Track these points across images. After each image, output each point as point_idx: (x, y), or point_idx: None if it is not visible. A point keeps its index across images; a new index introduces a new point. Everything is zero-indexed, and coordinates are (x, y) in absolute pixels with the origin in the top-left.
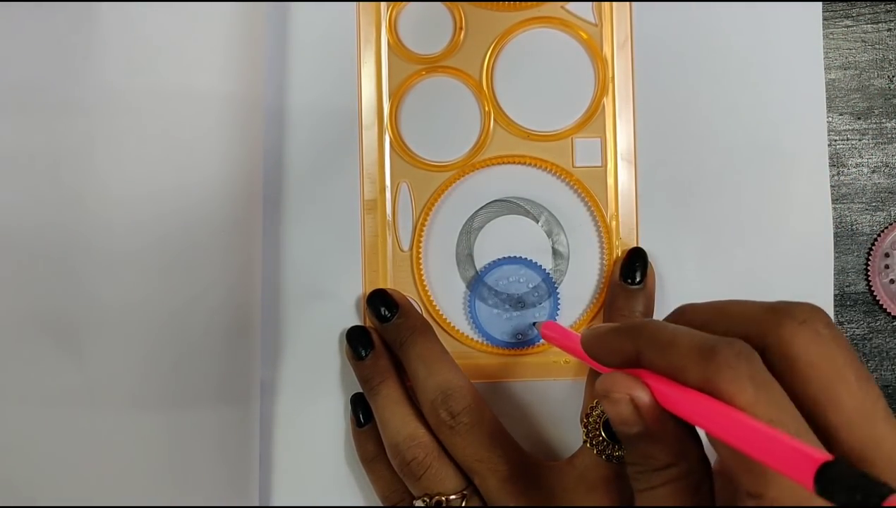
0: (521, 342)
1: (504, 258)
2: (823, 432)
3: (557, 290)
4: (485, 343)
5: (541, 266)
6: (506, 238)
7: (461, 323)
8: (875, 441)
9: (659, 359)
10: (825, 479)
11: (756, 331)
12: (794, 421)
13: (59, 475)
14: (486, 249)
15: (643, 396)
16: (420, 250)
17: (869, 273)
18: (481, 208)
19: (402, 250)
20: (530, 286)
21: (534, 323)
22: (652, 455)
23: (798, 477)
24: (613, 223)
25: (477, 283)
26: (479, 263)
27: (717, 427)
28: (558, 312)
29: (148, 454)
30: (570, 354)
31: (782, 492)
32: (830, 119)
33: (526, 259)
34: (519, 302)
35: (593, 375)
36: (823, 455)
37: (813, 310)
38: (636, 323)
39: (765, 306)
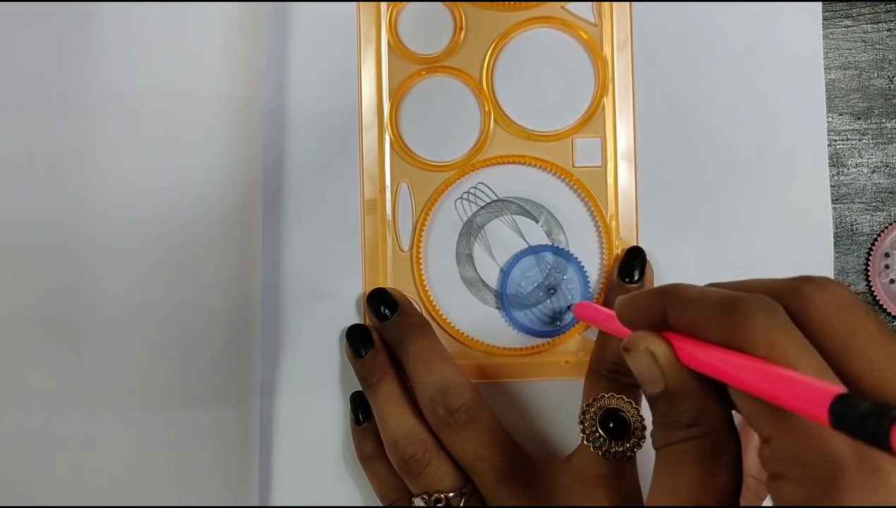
0: (560, 327)
1: (511, 259)
2: (846, 383)
3: (573, 255)
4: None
5: (546, 244)
6: (506, 238)
7: (461, 322)
8: None
9: (684, 316)
10: (838, 412)
11: (777, 296)
12: (815, 362)
13: (59, 475)
14: (486, 249)
15: (663, 349)
16: (420, 250)
17: (869, 273)
18: (481, 208)
19: (402, 250)
20: (548, 267)
21: (568, 307)
22: (673, 414)
23: (813, 413)
24: (613, 223)
25: (504, 298)
26: (480, 263)
27: (733, 375)
28: (586, 274)
29: (148, 454)
30: (604, 330)
31: (791, 434)
32: (830, 119)
33: (530, 247)
34: (550, 289)
35: (592, 374)
36: (836, 388)
37: (831, 280)
38: (666, 286)
39: (784, 279)
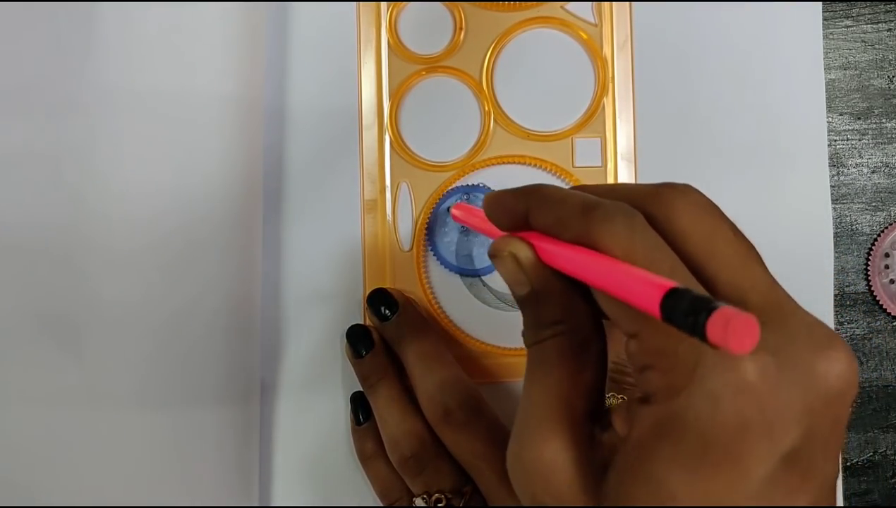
0: (477, 267)
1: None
2: (705, 284)
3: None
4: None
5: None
6: None
7: (461, 322)
8: (752, 284)
9: (545, 216)
10: (668, 307)
11: (639, 202)
12: (670, 261)
13: (60, 475)
14: (486, 249)
15: (524, 252)
16: (420, 250)
17: (869, 273)
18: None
19: (402, 250)
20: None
21: (448, 208)
22: (540, 314)
23: (648, 307)
24: None
25: (432, 232)
26: (479, 264)
27: (587, 273)
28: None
29: (148, 454)
30: (478, 231)
31: (655, 328)
32: (830, 119)
33: (477, 185)
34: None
35: None
36: (668, 283)
37: (692, 187)
38: (530, 186)
39: (650, 184)
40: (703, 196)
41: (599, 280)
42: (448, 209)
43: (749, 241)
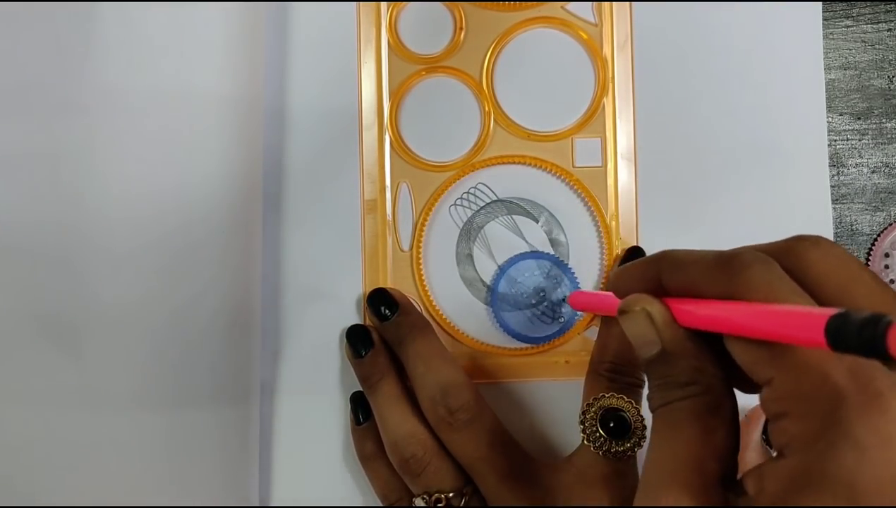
0: (559, 329)
1: (508, 260)
2: None
3: (569, 267)
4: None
5: (544, 252)
6: (506, 238)
7: (461, 322)
8: None
9: (680, 277)
10: (835, 331)
11: (772, 255)
12: (811, 303)
13: (59, 475)
14: (486, 250)
15: (659, 309)
16: (420, 250)
17: None
18: (481, 208)
19: (402, 250)
20: (544, 274)
21: (563, 299)
22: (670, 374)
23: (810, 339)
24: (613, 223)
25: (495, 296)
26: (480, 264)
27: (729, 322)
28: (578, 284)
29: (148, 454)
30: (603, 314)
31: (790, 371)
32: (830, 119)
33: (529, 251)
34: (540, 292)
35: (592, 374)
36: (829, 311)
37: (824, 238)
38: (659, 252)
39: (781, 240)
40: (837, 245)
41: (747, 323)
42: (564, 299)
43: (891, 288)
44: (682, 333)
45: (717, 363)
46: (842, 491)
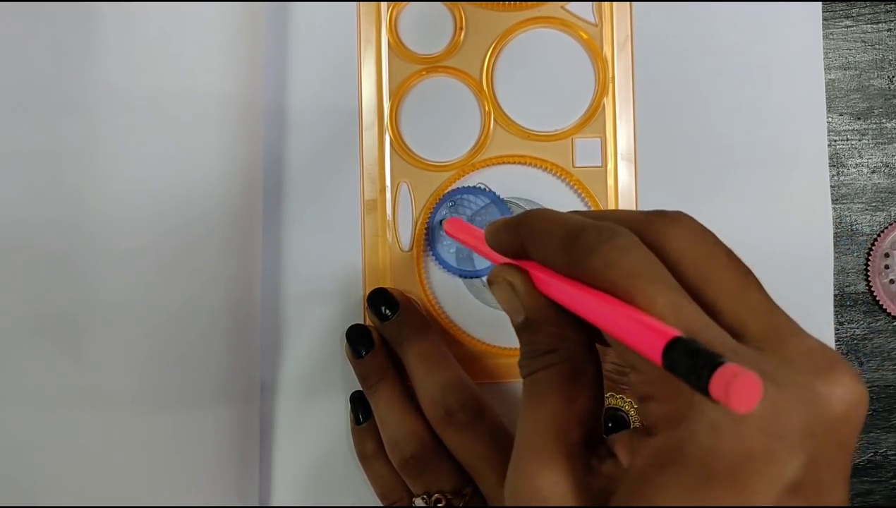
0: (477, 268)
1: (453, 191)
2: (703, 306)
3: (510, 209)
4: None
5: (489, 190)
6: None
7: (461, 322)
8: (750, 309)
9: (534, 249)
10: (671, 357)
11: (632, 230)
12: (667, 280)
13: (60, 475)
14: None
15: (520, 280)
16: (420, 250)
17: (869, 273)
18: (481, 208)
19: (402, 250)
20: (479, 207)
21: (440, 222)
22: (534, 342)
23: (649, 354)
24: None
25: (432, 234)
26: (479, 265)
27: (586, 310)
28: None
29: (148, 454)
30: (476, 252)
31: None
32: (830, 119)
33: (474, 187)
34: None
35: None
36: (671, 332)
37: (684, 214)
38: (522, 215)
39: (641, 211)
40: (696, 222)
41: (599, 319)
42: (441, 222)
43: (745, 265)
44: (542, 301)
45: (580, 328)
46: (698, 469)
